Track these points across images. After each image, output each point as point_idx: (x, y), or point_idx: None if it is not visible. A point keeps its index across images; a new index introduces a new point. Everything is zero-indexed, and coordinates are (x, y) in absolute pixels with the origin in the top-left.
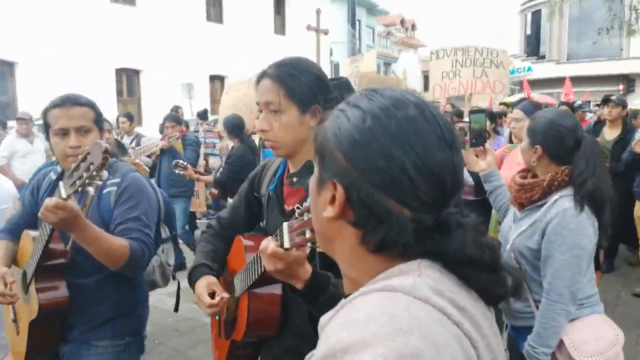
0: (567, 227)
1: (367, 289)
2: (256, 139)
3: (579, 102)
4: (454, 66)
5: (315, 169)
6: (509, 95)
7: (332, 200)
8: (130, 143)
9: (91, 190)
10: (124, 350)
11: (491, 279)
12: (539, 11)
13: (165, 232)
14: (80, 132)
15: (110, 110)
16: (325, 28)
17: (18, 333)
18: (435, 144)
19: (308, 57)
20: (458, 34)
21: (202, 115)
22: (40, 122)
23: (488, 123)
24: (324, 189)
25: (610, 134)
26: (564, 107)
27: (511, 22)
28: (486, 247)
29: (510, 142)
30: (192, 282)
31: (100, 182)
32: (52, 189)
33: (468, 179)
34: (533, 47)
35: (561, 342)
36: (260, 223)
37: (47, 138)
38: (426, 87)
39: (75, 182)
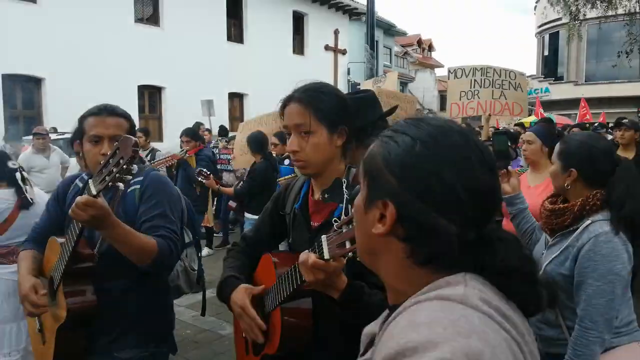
0: (599, 252)
1: (421, 297)
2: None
3: (596, 123)
4: (473, 86)
5: (363, 190)
6: (528, 116)
7: (381, 218)
8: (146, 157)
9: (121, 185)
10: None
11: (529, 290)
12: (557, 33)
13: (188, 237)
14: (113, 141)
15: None
16: (343, 48)
17: (44, 342)
18: (478, 167)
19: (326, 76)
20: (475, 55)
21: (222, 132)
22: (56, 135)
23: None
24: (373, 207)
25: (624, 157)
26: (575, 129)
27: (528, 44)
28: (526, 260)
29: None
30: (223, 294)
31: (130, 177)
32: (81, 194)
33: None
34: (551, 68)
35: None
36: (287, 240)
37: (77, 144)
38: (442, 107)
39: (105, 177)
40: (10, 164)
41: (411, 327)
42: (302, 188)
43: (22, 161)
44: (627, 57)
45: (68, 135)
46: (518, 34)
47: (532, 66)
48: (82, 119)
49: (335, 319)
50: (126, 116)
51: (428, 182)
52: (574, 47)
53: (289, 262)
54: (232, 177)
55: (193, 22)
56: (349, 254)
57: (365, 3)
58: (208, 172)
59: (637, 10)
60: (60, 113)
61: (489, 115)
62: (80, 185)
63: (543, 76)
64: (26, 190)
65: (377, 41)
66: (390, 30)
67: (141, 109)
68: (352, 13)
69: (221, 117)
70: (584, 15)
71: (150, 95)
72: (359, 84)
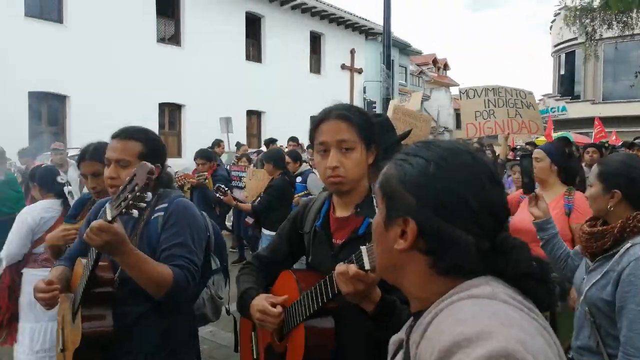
0: None
1: (454, 297)
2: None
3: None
4: (487, 106)
5: (380, 210)
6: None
7: (402, 234)
8: None
9: (135, 213)
10: None
11: (543, 288)
12: (573, 52)
13: (215, 263)
14: (118, 164)
15: None
16: (359, 67)
17: None
18: (488, 182)
19: (342, 95)
20: (490, 74)
21: (240, 147)
22: (77, 151)
23: None
24: (393, 225)
25: None
26: (591, 148)
27: (544, 62)
28: (536, 262)
29: None
30: (242, 306)
31: (143, 204)
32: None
33: None
34: (567, 87)
35: None
36: (306, 258)
37: (86, 165)
38: (458, 125)
39: (120, 203)
40: (59, 178)
41: (458, 322)
42: (322, 206)
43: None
44: None
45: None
46: (533, 52)
47: (548, 85)
48: None
49: (357, 340)
50: (141, 139)
51: (444, 199)
52: (590, 66)
53: (311, 279)
54: (243, 194)
55: (213, 42)
56: None
57: (381, 23)
58: (226, 189)
59: None
60: (84, 129)
61: (507, 134)
62: None
63: (560, 95)
64: (71, 203)
65: (392, 60)
66: (405, 49)
67: (161, 126)
68: (368, 33)
69: (239, 134)
70: (600, 35)
71: (171, 113)
72: (374, 103)
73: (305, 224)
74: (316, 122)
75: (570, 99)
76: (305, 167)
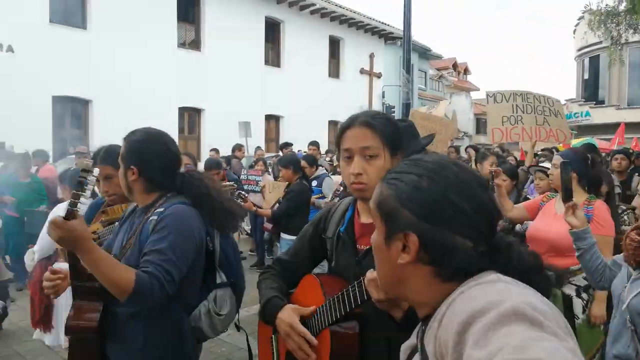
0: None
1: (464, 288)
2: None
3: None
4: (515, 111)
5: (379, 229)
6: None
7: (404, 248)
8: None
9: (81, 209)
10: None
11: (542, 278)
12: (597, 56)
13: (220, 278)
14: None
15: None
16: (378, 71)
17: None
18: (477, 188)
19: (361, 99)
20: (512, 78)
21: (257, 151)
22: None
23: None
24: (394, 241)
25: None
26: (619, 155)
27: (566, 66)
28: (532, 256)
29: None
30: (268, 315)
31: (79, 201)
32: (124, 222)
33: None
34: (591, 92)
35: None
36: (329, 263)
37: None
38: (478, 130)
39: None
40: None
41: (470, 300)
42: (346, 212)
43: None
44: None
45: None
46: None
47: (571, 90)
48: None
49: (379, 344)
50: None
51: (439, 208)
52: (615, 71)
53: (335, 284)
54: (258, 198)
55: (232, 47)
56: None
57: (400, 27)
58: (245, 195)
59: None
60: (106, 133)
61: (535, 141)
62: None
63: (583, 100)
64: None
65: (412, 65)
66: (425, 53)
67: (181, 130)
68: (387, 37)
69: (258, 138)
70: (626, 39)
71: (190, 117)
72: (393, 107)
73: (328, 228)
74: (342, 129)
75: (595, 104)
76: (321, 171)
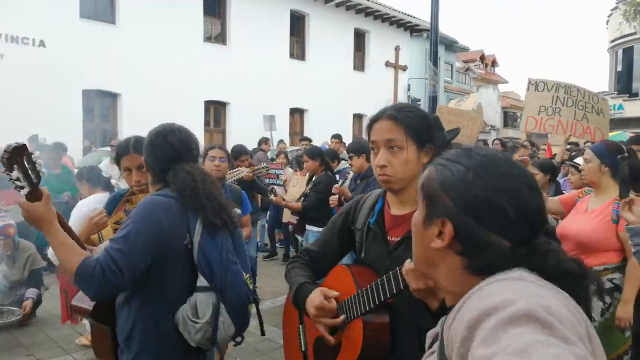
0: None
1: (483, 284)
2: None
3: None
4: (554, 102)
5: (420, 209)
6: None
7: (439, 234)
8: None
9: (21, 190)
10: None
11: (579, 285)
12: (631, 47)
13: (200, 281)
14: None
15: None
16: (403, 64)
17: None
18: (526, 191)
19: (386, 92)
20: (541, 71)
21: (278, 144)
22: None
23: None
24: (432, 225)
25: None
26: None
27: (598, 59)
28: (574, 262)
29: None
30: (298, 299)
31: (9, 179)
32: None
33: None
34: (624, 84)
35: None
36: (359, 255)
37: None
38: (505, 124)
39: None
40: (103, 173)
41: (484, 297)
42: (375, 203)
43: (104, 170)
44: None
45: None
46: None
47: (603, 82)
48: None
49: (410, 333)
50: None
51: (480, 205)
52: None
53: (366, 275)
54: (280, 191)
55: (258, 40)
56: None
57: (426, 19)
58: (276, 189)
59: None
60: (134, 126)
61: (569, 136)
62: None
63: (616, 92)
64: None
65: (439, 57)
66: (452, 46)
67: (207, 124)
68: (413, 29)
69: (282, 132)
70: None
71: (216, 110)
72: (419, 100)
73: (357, 220)
74: (370, 122)
75: (628, 97)
76: (343, 164)
